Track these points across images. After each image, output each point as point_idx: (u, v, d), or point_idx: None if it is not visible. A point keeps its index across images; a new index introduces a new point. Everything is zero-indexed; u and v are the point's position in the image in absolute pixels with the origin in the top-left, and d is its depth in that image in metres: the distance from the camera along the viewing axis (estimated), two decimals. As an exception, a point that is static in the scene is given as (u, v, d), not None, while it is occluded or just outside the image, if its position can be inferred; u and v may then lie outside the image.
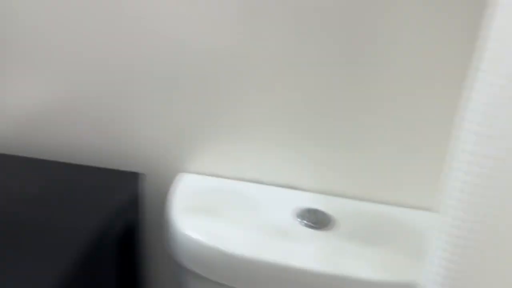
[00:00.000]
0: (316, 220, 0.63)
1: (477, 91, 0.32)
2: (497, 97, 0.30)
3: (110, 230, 0.62)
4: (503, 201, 0.34)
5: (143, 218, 0.75)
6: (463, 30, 0.57)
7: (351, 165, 0.67)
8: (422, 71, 0.60)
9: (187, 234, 0.61)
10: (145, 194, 0.74)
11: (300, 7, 0.60)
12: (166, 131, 0.71)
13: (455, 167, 0.34)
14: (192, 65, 0.66)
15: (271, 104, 0.66)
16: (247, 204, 0.67)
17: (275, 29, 0.61)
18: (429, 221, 0.65)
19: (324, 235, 0.61)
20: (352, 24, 0.59)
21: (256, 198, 0.68)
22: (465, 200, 0.34)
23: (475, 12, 0.56)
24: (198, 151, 0.72)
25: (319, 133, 0.67)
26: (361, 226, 0.63)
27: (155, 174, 0.74)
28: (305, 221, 0.63)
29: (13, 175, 0.69)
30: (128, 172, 0.71)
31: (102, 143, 0.74)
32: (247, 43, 0.63)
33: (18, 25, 0.68)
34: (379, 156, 0.66)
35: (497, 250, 0.36)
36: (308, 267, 0.56)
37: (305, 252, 0.58)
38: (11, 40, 0.69)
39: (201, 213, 0.64)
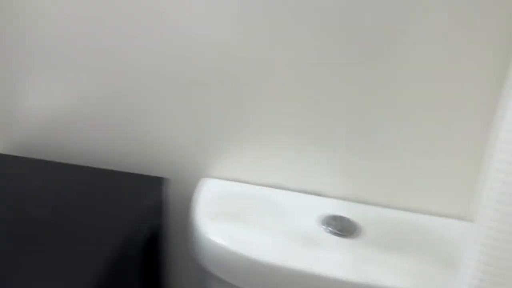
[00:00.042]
0: (342, 227, 0.62)
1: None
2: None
3: (136, 235, 0.62)
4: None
5: (166, 222, 0.75)
6: (495, 29, 0.56)
7: (376, 172, 0.67)
8: (453, 74, 0.60)
9: (212, 239, 0.61)
10: (168, 199, 0.74)
11: (323, 13, 0.60)
12: (190, 136, 0.71)
13: (492, 178, 0.34)
14: (217, 72, 0.66)
15: (295, 110, 0.66)
16: (271, 210, 0.67)
17: (299, 36, 0.61)
18: (455, 229, 0.64)
19: (349, 243, 0.60)
20: (372, 26, 0.59)
21: (280, 204, 0.68)
22: (501, 210, 0.34)
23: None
24: (221, 156, 0.72)
25: (343, 139, 0.66)
26: (387, 234, 0.62)
27: (178, 179, 0.74)
28: (330, 228, 0.62)
29: (37, 179, 0.70)
30: (153, 177, 0.71)
31: (126, 148, 0.74)
32: (272, 50, 0.63)
33: (36, 29, 0.69)
34: (405, 163, 0.65)
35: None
36: (334, 274, 0.55)
37: (331, 259, 0.57)
38: (30, 44, 0.70)
39: (225, 218, 0.64)
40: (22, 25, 0.69)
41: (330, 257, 0.58)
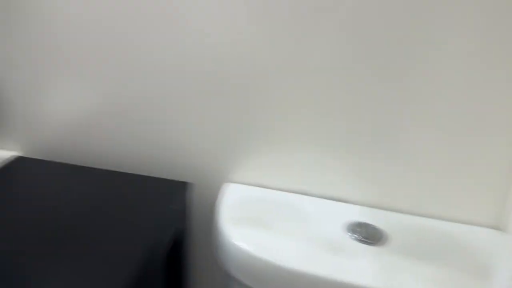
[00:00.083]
0: (367, 234, 0.62)
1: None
2: None
3: (161, 239, 0.62)
4: None
5: (189, 226, 0.75)
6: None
7: (402, 178, 0.66)
8: (482, 80, 0.59)
9: (237, 245, 0.61)
10: (192, 203, 0.74)
11: (351, 20, 0.59)
12: (213, 141, 0.72)
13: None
14: (240, 78, 0.66)
15: (319, 115, 0.66)
16: (295, 216, 0.66)
17: (321, 40, 0.61)
18: (484, 237, 0.63)
19: (375, 250, 0.59)
20: (401, 30, 0.59)
21: (303, 210, 0.68)
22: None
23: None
24: (244, 161, 0.72)
25: (368, 144, 0.66)
26: (413, 241, 0.61)
27: (200, 183, 0.75)
28: (355, 235, 0.62)
29: (60, 183, 0.70)
30: (177, 181, 0.71)
31: (149, 152, 0.75)
32: (295, 55, 0.63)
33: (59, 34, 0.69)
34: (432, 169, 0.64)
35: None
36: (361, 282, 0.55)
37: (357, 267, 0.56)
38: (53, 48, 0.71)
39: (250, 223, 0.64)
40: (46, 30, 0.70)
41: (356, 264, 0.57)
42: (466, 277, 0.56)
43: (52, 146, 0.78)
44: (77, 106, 0.74)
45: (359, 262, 0.57)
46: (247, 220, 0.65)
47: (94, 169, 0.74)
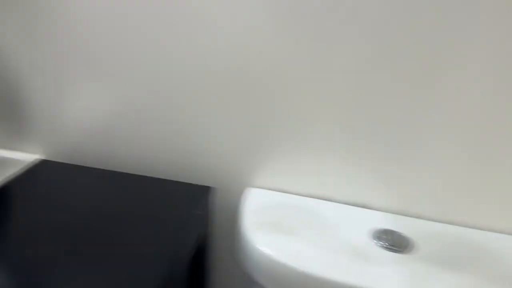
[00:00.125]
0: (393, 242, 0.61)
1: None
2: None
3: (185, 243, 0.62)
4: None
5: (212, 231, 0.75)
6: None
7: (428, 184, 0.65)
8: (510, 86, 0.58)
9: (262, 250, 0.60)
10: (214, 207, 0.74)
11: (376, 23, 0.59)
12: (235, 145, 0.71)
13: None
14: (262, 83, 0.66)
15: (343, 120, 0.65)
16: (318, 222, 0.66)
17: (349, 45, 0.61)
18: None
19: (402, 258, 0.59)
20: (429, 37, 0.58)
21: (326, 216, 0.67)
22: None
23: None
24: (266, 166, 0.72)
25: (392, 149, 0.65)
26: (441, 249, 0.60)
27: (222, 188, 0.74)
28: (381, 243, 0.61)
29: (83, 186, 0.71)
30: (200, 186, 0.71)
31: (172, 156, 0.75)
32: (317, 60, 0.62)
33: (83, 38, 0.70)
34: (459, 176, 0.63)
35: None
36: (389, 291, 0.54)
37: (386, 275, 0.56)
38: (78, 52, 0.71)
39: (273, 229, 0.64)
40: (70, 34, 0.70)
41: (383, 272, 0.56)
42: (495, 286, 0.55)
43: (75, 149, 0.79)
44: (99, 109, 0.75)
45: (386, 270, 0.57)
46: (271, 226, 0.64)
47: (116, 172, 0.74)
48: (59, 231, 0.59)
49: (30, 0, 0.68)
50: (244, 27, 0.63)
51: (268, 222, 0.65)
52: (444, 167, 0.64)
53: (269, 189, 0.73)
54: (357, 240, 0.62)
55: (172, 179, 0.75)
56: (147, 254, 0.56)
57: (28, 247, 0.55)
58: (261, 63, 0.65)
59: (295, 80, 0.65)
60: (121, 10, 0.66)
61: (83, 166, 0.76)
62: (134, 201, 0.67)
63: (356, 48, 0.61)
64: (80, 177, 0.73)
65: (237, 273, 0.76)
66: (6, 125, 0.80)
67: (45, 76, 0.74)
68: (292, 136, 0.68)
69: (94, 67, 0.72)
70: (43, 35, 0.71)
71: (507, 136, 0.60)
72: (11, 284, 0.49)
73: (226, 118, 0.70)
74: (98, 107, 0.74)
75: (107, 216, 0.63)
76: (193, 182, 0.74)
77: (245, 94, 0.67)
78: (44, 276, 0.51)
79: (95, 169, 0.75)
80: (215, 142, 0.72)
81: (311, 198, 0.71)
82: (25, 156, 0.79)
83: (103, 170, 0.75)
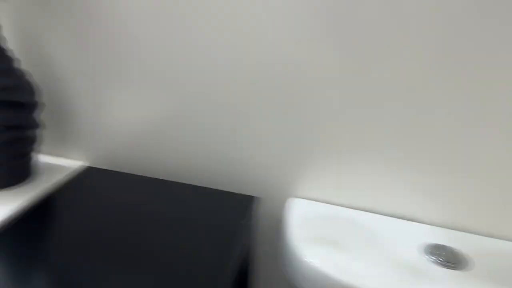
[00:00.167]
0: (447, 257, 0.59)
1: None
2: None
3: (230, 253, 0.62)
4: None
5: (255, 241, 0.75)
6: None
7: (481, 198, 0.63)
8: None
9: (309, 262, 0.59)
10: (258, 217, 0.74)
11: (418, 37, 0.57)
12: (279, 155, 0.71)
13: None
14: (309, 93, 0.65)
15: (389, 130, 0.64)
16: (366, 235, 0.64)
17: (393, 52, 0.59)
18: None
19: (459, 275, 0.57)
20: (473, 34, 0.56)
21: (373, 229, 0.66)
22: None
23: None
24: (310, 176, 0.71)
25: (442, 161, 0.63)
26: (499, 266, 0.58)
27: (265, 198, 0.74)
28: (434, 258, 0.59)
29: (125, 193, 0.71)
30: (245, 195, 0.71)
31: (215, 165, 0.75)
32: (363, 67, 0.61)
33: (123, 45, 0.70)
34: (513, 191, 0.62)
35: None
36: (445, 309, 0.53)
37: (442, 292, 0.54)
38: (118, 59, 0.71)
39: (320, 241, 0.63)
40: (114, 42, 0.71)
41: (439, 289, 0.55)
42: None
43: (118, 156, 0.79)
44: (144, 116, 0.75)
45: (442, 287, 0.55)
46: (316, 237, 0.63)
47: (159, 180, 0.75)
48: (103, 239, 0.59)
49: (80, 7, 0.69)
50: (296, 39, 0.62)
51: (314, 233, 0.64)
52: (497, 180, 0.62)
53: (311, 199, 0.72)
54: (407, 254, 0.60)
55: (214, 187, 0.74)
56: (193, 263, 0.55)
57: (76, 253, 0.56)
58: (308, 73, 0.64)
59: (339, 90, 0.64)
60: (168, 18, 0.67)
61: (126, 173, 0.76)
62: (179, 209, 0.67)
63: (404, 55, 0.59)
64: (124, 184, 0.74)
65: (281, 282, 0.75)
66: (52, 132, 0.81)
67: (89, 84, 0.75)
68: (336, 147, 0.67)
69: (138, 74, 0.72)
70: (88, 42, 0.72)
71: None
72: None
73: (271, 128, 0.69)
74: (141, 114, 0.75)
75: (151, 223, 0.63)
76: (235, 191, 0.73)
77: (292, 106, 0.67)
78: (88, 283, 0.51)
79: (138, 176, 0.76)
80: (260, 151, 0.71)
81: (354, 210, 0.70)
82: (70, 163, 0.80)
83: (147, 178, 0.75)
